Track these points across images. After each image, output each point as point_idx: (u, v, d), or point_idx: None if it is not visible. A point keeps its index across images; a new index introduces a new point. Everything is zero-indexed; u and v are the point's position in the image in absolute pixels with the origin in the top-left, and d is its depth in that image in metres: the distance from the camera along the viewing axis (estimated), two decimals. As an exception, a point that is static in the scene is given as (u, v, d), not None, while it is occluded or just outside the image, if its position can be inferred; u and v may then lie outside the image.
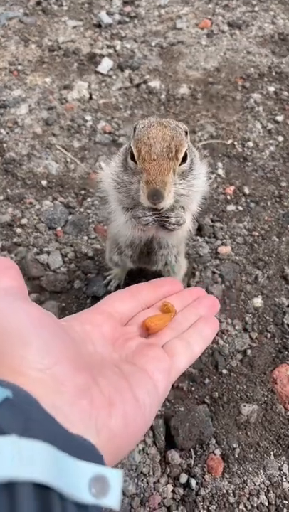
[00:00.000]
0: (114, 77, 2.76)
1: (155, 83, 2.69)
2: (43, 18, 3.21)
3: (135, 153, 0.96)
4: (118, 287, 1.76)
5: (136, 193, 1.02)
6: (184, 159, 0.99)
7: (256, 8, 3.24)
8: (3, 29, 3.09)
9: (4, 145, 2.34)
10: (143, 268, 1.57)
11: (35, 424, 0.49)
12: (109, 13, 3.20)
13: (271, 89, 2.62)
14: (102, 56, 2.86)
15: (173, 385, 1.56)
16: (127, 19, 3.20)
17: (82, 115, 2.51)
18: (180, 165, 0.99)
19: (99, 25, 3.13)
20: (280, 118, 2.46)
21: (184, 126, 1.06)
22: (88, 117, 2.50)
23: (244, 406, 1.51)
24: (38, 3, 3.32)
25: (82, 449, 0.53)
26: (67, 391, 0.56)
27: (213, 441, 1.44)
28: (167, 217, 1.02)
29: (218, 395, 1.54)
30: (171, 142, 0.95)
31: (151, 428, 1.47)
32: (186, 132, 1.05)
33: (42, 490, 0.45)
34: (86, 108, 2.56)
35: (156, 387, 0.70)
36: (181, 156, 0.97)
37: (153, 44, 2.97)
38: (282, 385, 1.54)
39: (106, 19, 3.12)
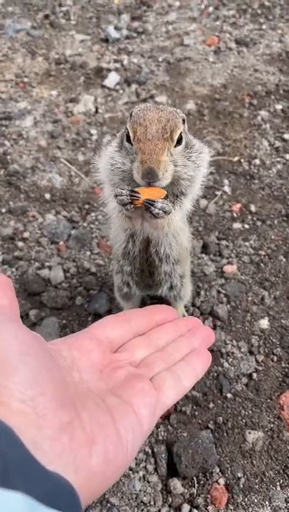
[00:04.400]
0: (120, 91, 2.75)
1: (162, 98, 2.68)
2: (50, 31, 3.22)
3: (131, 134, 0.98)
4: None
5: (129, 173, 1.02)
6: (179, 142, 1.01)
7: (264, 27, 3.25)
8: (10, 41, 3.10)
9: (8, 157, 2.31)
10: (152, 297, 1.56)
11: (13, 467, 0.47)
12: (117, 28, 3.21)
13: (279, 107, 2.61)
14: (109, 70, 2.85)
15: (176, 409, 1.51)
16: (135, 34, 3.21)
17: (87, 129, 2.49)
18: (175, 146, 1.00)
19: (106, 40, 3.13)
20: (287, 136, 2.44)
21: (181, 114, 1.07)
22: (94, 131, 2.48)
23: (249, 433, 1.45)
24: (46, 17, 3.34)
25: (59, 491, 0.52)
26: (48, 426, 0.55)
27: (217, 469, 1.38)
28: (154, 201, 0.99)
29: (222, 420, 1.48)
30: (166, 124, 0.97)
31: (153, 455, 1.41)
32: (184, 120, 1.06)
33: None
34: (92, 122, 2.54)
35: (141, 423, 0.69)
36: (176, 137, 0.99)
37: (160, 59, 2.97)
38: (289, 411, 1.48)
39: (114, 34, 3.13)
